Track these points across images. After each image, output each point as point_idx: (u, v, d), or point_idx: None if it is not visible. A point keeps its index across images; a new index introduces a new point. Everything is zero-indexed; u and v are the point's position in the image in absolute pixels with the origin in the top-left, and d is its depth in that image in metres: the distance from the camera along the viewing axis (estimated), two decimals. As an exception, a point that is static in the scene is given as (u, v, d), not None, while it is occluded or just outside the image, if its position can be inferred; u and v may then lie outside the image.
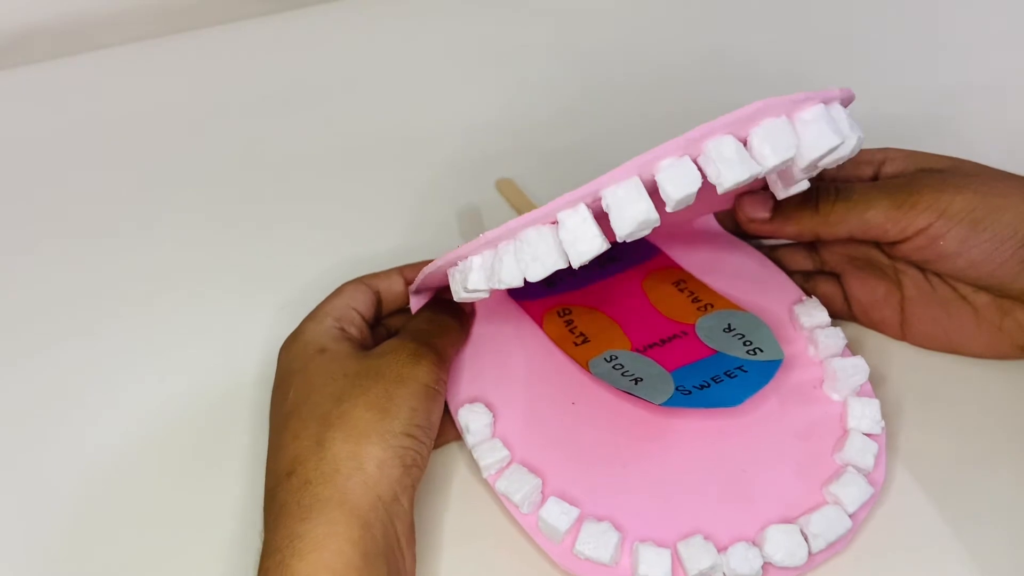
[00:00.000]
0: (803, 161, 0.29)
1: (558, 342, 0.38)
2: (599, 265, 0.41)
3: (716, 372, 0.35)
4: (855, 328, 0.40)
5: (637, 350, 0.37)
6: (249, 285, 0.44)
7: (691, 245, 0.41)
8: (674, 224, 0.40)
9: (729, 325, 0.37)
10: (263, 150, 0.51)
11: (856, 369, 0.36)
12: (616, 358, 0.37)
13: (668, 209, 0.29)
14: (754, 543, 0.32)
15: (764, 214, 0.37)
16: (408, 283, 0.39)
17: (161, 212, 0.48)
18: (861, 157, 0.37)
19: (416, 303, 0.39)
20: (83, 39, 0.58)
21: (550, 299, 0.40)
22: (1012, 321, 0.36)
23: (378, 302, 0.38)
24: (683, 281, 0.40)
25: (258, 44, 0.58)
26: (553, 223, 0.30)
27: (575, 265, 0.30)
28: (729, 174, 0.28)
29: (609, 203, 0.29)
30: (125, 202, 0.49)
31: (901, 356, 0.38)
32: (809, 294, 0.39)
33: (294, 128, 0.52)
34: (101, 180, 0.50)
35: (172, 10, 0.60)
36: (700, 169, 0.29)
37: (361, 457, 0.31)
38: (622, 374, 0.36)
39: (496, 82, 0.54)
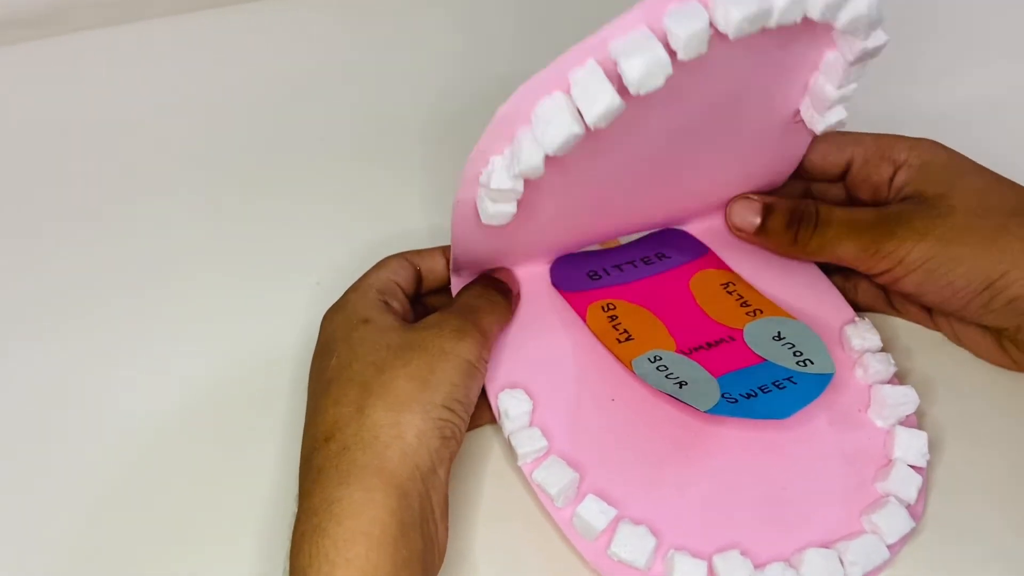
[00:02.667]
0: (815, 10, 0.29)
1: (601, 337, 0.37)
2: (645, 262, 0.40)
3: (764, 382, 0.35)
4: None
5: (682, 352, 0.36)
6: (286, 264, 0.44)
7: (742, 248, 0.40)
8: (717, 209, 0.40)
9: (779, 333, 0.37)
10: (295, 131, 0.50)
11: (905, 398, 0.35)
12: (660, 359, 0.36)
13: (680, 57, 0.28)
14: (790, 564, 0.32)
15: (755, 219, 0.38)
16: (449, 261, 0.38)
17: (201, 193, 0.47)
18: (883, 154, 0.37)
19: (457, 283, 0.38)
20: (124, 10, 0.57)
21: (595, 292, 0.39)
22: (1006, 341, 0.37)
23: (419, 278, 0.38)
24: (732, 283, 0.39)
25: (286, 23, 0.56)
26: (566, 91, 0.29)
27: (592, 125, 0.29)
28: (736, 11, 0.27)
29: (618, 53, 0.28)
30: (163, 181, 0.48)
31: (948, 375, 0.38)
32: (863, 316, 0.38)
33: (326, 108, 0.51)
34: (142, 160, 0.49)
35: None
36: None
37: (401, 426, 0.31)
38: (666, 376, 0.35)
39: (528, 57, 0.53)
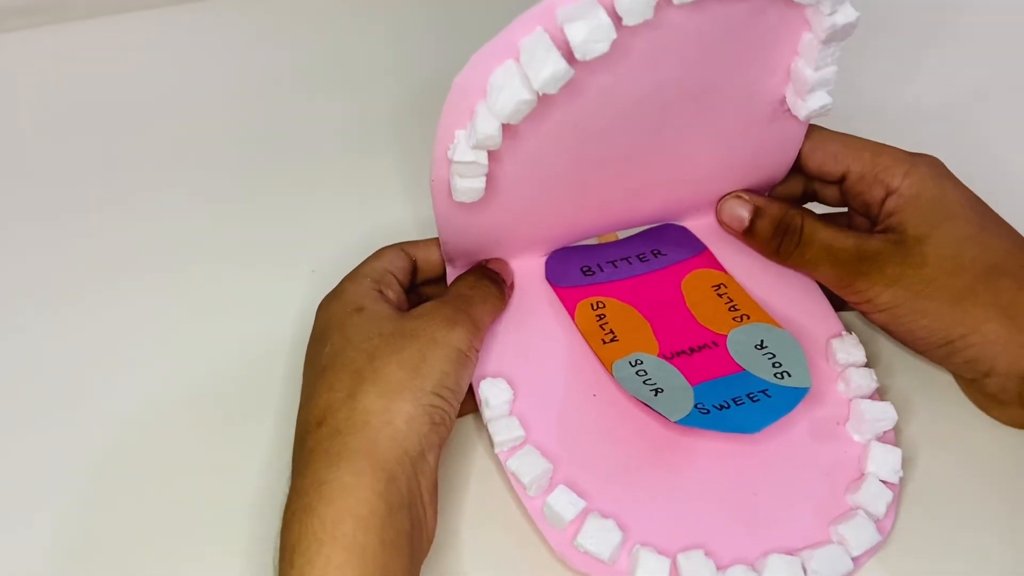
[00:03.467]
0: None
1: (587, 336, 0.38)
2: (641, 259, 0.41)
3: (739, 393, 0.35)
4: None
5: (664, 356, 0.37)
6: (283, 253, 0.45)
7: (739, 248, 0.41)
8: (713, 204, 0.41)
9: (762, 341, 0.37)
10: (290, 124, 0.51)
11: (883, 415, 0.35)
12: (641, 363, 0.36)
13: (626, 22, 0.29)
14: (754, 568, 0.32)
15: (744, 215, 0.39)
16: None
17: (197, 183, 0.48)
18: (878, 176, 0.37)
19: (452, 273, 0.39)
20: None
21: (586, 288, 0.39)
22: (968, 385, 0.38)
23: (414, 269, 0.38)
24: (723, 285, 0.39)
25: (282, 16, 0.57)
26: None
27: (540, 90, 0.29)
28: None
29: (563, 19, 0.29)
30: (161, 171, 0.49)
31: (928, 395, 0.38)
32: (849, 330, 0.38)
33: (321, 101, 0.52)
34: (138, 150, 0.50)
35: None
36: None
37: (392, 412, 0.32)
38: (644, 382, 0.35)
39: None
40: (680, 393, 0.35)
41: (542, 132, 0.32)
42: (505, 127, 0.31)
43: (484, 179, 0.33)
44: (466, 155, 0.32)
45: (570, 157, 0.35)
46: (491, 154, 0.32)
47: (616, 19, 0.29)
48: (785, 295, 0.39)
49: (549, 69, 0.29)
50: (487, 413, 0.35)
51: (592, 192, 0.38)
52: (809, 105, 0.35)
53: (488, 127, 0.30)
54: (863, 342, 0.38)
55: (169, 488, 0.37)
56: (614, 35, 0.29)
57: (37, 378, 0.41)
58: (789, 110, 0.37)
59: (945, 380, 0.38)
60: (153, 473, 0.38)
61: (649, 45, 0.30)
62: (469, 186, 0.33)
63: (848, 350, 0.37)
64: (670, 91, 0.34)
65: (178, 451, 0.38)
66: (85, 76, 0.54)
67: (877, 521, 0.34)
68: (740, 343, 0.37)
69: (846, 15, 0.32)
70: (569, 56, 0.29)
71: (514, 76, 0.30)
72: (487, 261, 0.39)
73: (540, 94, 0.30)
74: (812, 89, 0.35)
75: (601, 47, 0.29)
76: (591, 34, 0.29)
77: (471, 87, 0.30)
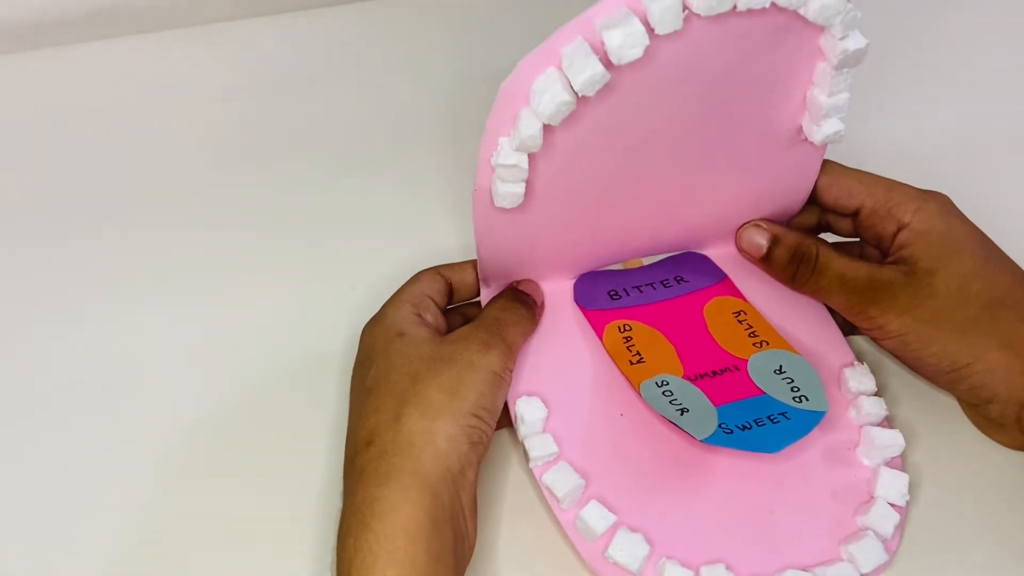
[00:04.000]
0: None
1: (614, 357, 0.40)
2: (664, 285, 0.43)
3: (760, 415, 0.37)
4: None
5: (688, 378, 0.39)
6: (334, 271, 0.47)
7: (757, 277, 0.43)
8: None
9: (780, 367, 0.39)
10: (334, 152, 0.53)
11: (892, 441, 0.38)
12: (667, 384, 0.38)
13: (657, 31, 0.32)
14: (771, 583, 0.35)
15: (762, 243, 0.41)
16: (478, 274, 0.41)
17: (246, 202, 0.51)
18: (890, 211, 0.39)
19: (486, 294, 0.41)
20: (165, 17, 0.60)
21: (614, 312, 0.42)
22: (972, 410, 0.40)
23: (450, 290, 0.41)
24: (743, 312, 0.42)
25: (338, 30, 0.59)
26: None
27: (579, 91, 0.32)
28: None
29: (601, 28, 0.32)
30: (210, 187, 0.51)
31: (934, 424, 0.41)
32: (861, 360, 0.41)
33: (365, 130, 0.54)
34: (185, 166, 0.53)
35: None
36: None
37: (433, 433, 0.34)
38: (670, 401, 0.37)
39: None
40: (704, 413, 0.37)
41: (576, 146, 0.35)
42: (544, 137, 0.33)
43: (524, 185, 0.35)
44: (509, 158, 0.34)
45: (601, 173, 0.37)
46: (530, 164, 0.35)
47: (649, 30, 0.32)
48: (800, 324, 0.42)
49: (588, 72, 0.32)
50: (523, 430, 0.37)
51: (620, 213, 0.40)
52: (824, 130, 0.38)
53: (530, 128, 0.33)
54: (872, 371, 0.40)
55: (227, 497, 0.40)
56: (647, 41, 0.32)
57: (94, 390, 0.43)
58: (805, 139, 0.39)
59: (949, 410, 0.41)
60: (212, 481, 0.40)
61: (678, 58, 0.33)
62: (510, 191, 0.35)
63: (859, 379, 0.40)
64: (695, 111, 0.36)
65: (232, 462, 0.41)
66: (123, 91, 0.56)
67: (884, 541, 0.36)
68: (760, 368, 0.39)
69: (856, 41, 0.35)
70: (606, 62, 0.32)
71: (556, 81, 0.32)
72: (518, 283, 0.41)
73: (579, 96, 0.32)
74: (826, 115, 0.37)
75: (635, 52, 0.32)
76: (626, 40, 0.31)
77: (516, 93, 0.33)
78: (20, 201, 0.50)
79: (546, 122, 0.33)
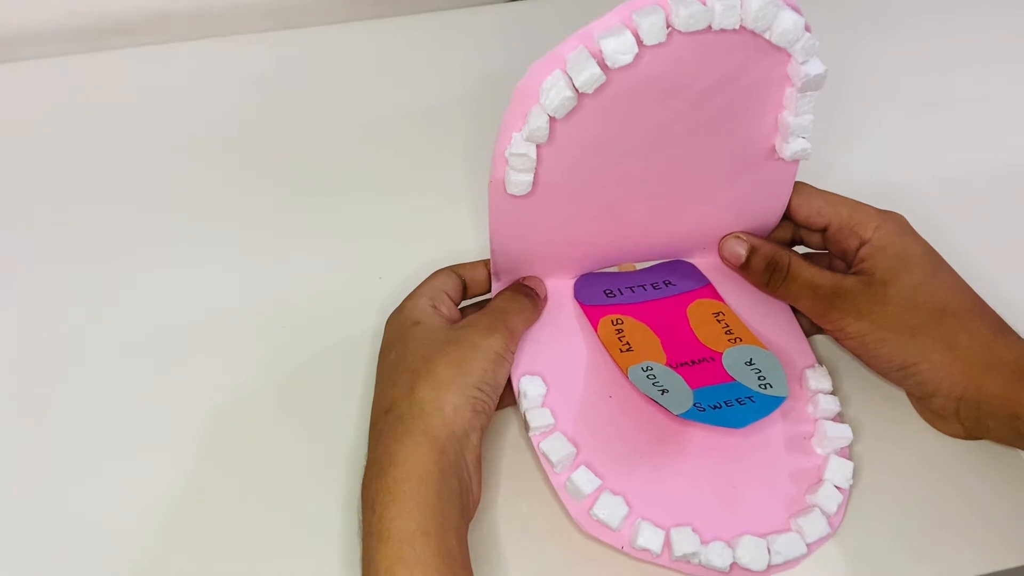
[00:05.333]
0: (748, 18, 0.38)
1: (607, 345, 0.45)
2: (654, 287, 0.48)
3: (729, 397, 0.42)
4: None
5: (670, 365, 0.44)
6: (364, 268, 0.52)
7: (736, 285, 0.48)
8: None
9: (751, 359, 0.44)
10: (367, 159, 0.58)
11: (842, 434, 0.43)
12: (651, 369, 0.44)
13: (646, 42, 0.38)
14: (729, 545, 0.40)
15: (741, 252, 0.46)
16: (489, 272, 0.47)
17: (287, 199, 0.56)
18: (853, 228, 0.45)
19: (497, 287, 0.46)
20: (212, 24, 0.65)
21: (608, 307, 0.47)
22: (919, 403, 0.45)
23: (464, 287, 0.46)
24: (722, 314, 0.47)
25: (380, 41, 0.64)
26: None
27: (580, 88, 0.38)
28: (684, 10, 0.37)
29: (599, 38, 0.38)
30: (251, 183, 0.57)
31: (878, 421, 0.46)
32: (821, 362, 0.47)
33: (395, 139, 0.59)
34: (227, 164, 0.58)
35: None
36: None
37: (441, 401, 0.39)
38: (653, 384, 0.42)
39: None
40: (682, 394, 0.42)
41: (576, 142, 0.41)
42: (550, 130, 0.39)
43: (532, 174, 0.41)
44: (519, 147, 0.40)
45: (598, 173, 0.43)
46: (537, 156, 0.40)
47: (639, 41, 0.38)
48: (771, 327, 0.47)
49: (587, 72, 0.38)
50: (524, 403, 0.43)
51: (614, 218, 0.45)
52: (792, 147, 0.43)
53: (538, 120, 0.39)
54: (829, 372, 0.46)
55: (267, 457, 0.45)
56: (636, 50, 0.38)
57: (136, 361, 0.48)
58: (778, 158, 0.44)
59: (891, 410, 0.46)
60: (255, 444, 0.45)
61: (664, 70, 0.39)
62: (520, 179, 0.41)
63: (818, 379, 0.45)
64: (681, 124, 0.42)
65: (276, 433, 0.46)
66: (179, 94, 0.61)
67: (829, 517, 0.41)
68: (733, 359, 0.44)
69: (816, 67, 0.41)
70: (603, 66, 0.38)
71: (560, 80, 0.38)
72: (524, 279, 0.47)
73: (580, 92, 0.38)
74: (793, 133, 0.43)
75: (626, 58, 0.38)
76: (619, 47, 0.38)
77: (528, 92, 0.39)
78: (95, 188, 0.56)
79: (551, 114, 0.39)
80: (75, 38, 0.63)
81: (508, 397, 0.44)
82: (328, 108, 0.60)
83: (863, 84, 0.62)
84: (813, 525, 0.41)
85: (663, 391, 0.42)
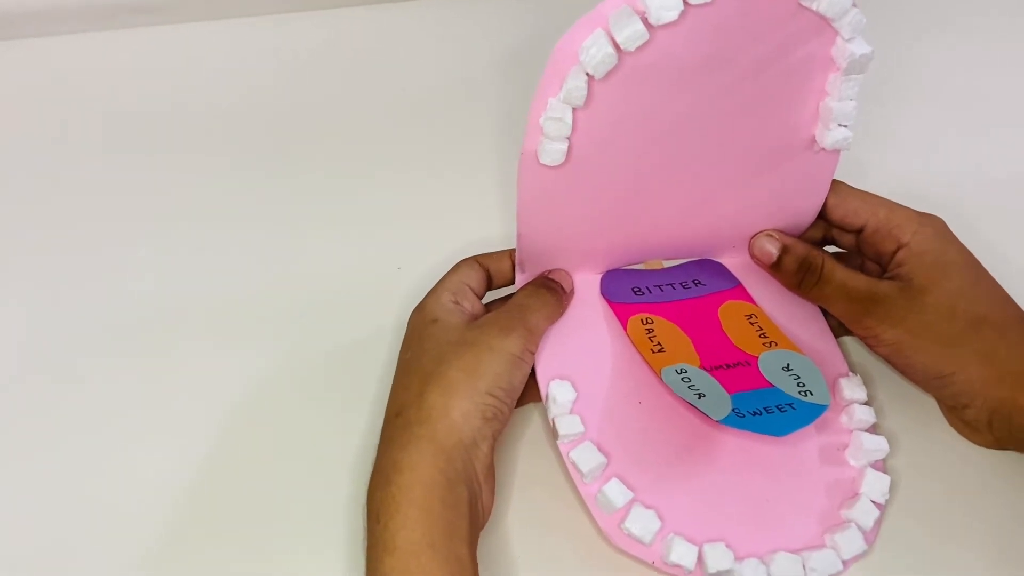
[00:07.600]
0: None
1: (637, 345, 0.44)
2: (683, 286, 0.47)
3: (769, 404, 0.41)
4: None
5: (704, 368, 0.43)
6: (382, 257, 0.51)
7: (768, 286, 0.47)
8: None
9: (788, 365, 0.43)
10: (389, 143, 0.57)
11: (878, 446, 0.42)
12: (685, 371, 0.42)
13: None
14: (763, 561, 0.39)
15: (773, 251, 0.45)
16: (514, 263, 0.45)
17: (307, 189, 0.54)
18: (891, 231, 0.43)
19: (521, 280, 0.45)
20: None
21: (637, 306, 0.45)
22: (953, 414, 0.44)
23: (488, 278, 0.45)
24: (754, 316, 0.45)
25: (397, 31, 0.63)
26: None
27: (622, 45, 0.37)
28: None
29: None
30: (275, 171, 0.55)
31: (915, 433, 0.45)
32: (855, 371, 0.45)
33: (416, 124, 0.57)
34: (248, 150, 0.56)
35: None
36: None
37: (449, 408, 0.38)
38: (688, 387, 0.41)
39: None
40: (720, 398, 0.40)
41: (613, 109, 0.39)
42: (587, 92, 0.38)
43: (566, 143, 0.40)
44: (555, 111, 0.39)
45: (631, 152, 0.41)
46: (573, 122, 0.39)
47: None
48: (803, 334, 0.46)
49: (630, 29, 0.37)
50: (553, 409, 0.41)
51: (645, 207, 0.44)
52: (833, 135, 0.42)
53: (576, 79, 0.38)
54: (864, 383, 0.44)
55: (279, 453, 0.44)
56: (682, 6, 0.36)
57: (144, 352, 0.47)
58: (818, 150, 0.43)
59: (928, 423, 0.45)
60: (267, 439, 0.44)
61: (706, 37, 0.38)
62: (554, 147, 0.40)
63: (853, 389, 0.44)
64: (721, 103, 0.41)
65: (287, 432, 0.45)
66: (194, 75, 0.59)
67: (865, 533, 0.40)
68: (770, 364, 0.43)
69: (861, 46, 0.39)
70: (646, 24, 0.37)
71: (602, 37, 0.37)
72: (549, 272, 0.45)
73: (622, 50, 0.37)
74: (835, 119, 0.41)
75: (671, 15, 0.36)
76: (664, 2, 0.36)
77: (567, 51, 0.38)
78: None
79: (591, 72, 0.37)
80: (90, 16, 0.62)
81: (528, 394, 0.42)
82: (346, 90, 0.59)
83: (903, 80, 0.60)
84: (849, 541, 0.40)
85: (700, 395, 0.41)
